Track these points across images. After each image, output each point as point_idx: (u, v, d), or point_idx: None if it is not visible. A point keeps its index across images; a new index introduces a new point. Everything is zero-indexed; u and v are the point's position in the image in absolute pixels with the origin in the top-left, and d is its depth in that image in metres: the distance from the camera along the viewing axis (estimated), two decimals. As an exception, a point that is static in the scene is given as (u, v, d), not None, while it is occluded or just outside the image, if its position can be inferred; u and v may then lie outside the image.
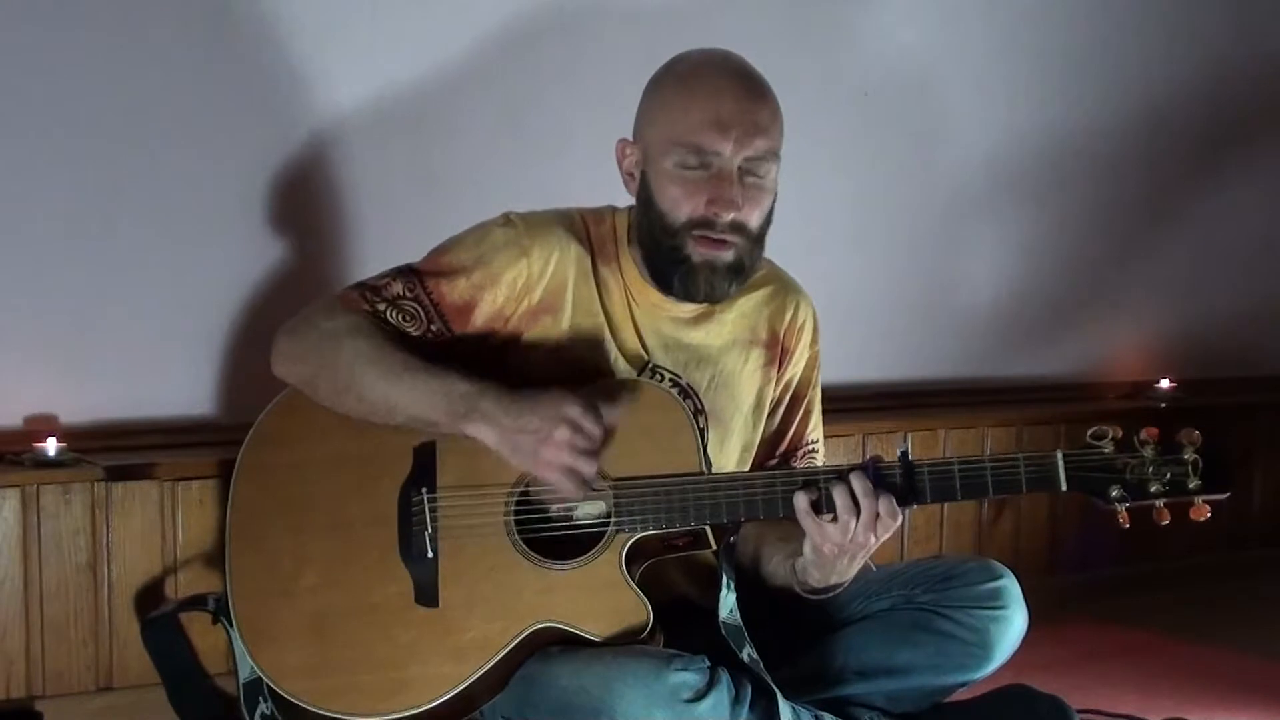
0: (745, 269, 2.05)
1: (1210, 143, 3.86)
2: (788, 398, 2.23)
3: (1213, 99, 3.81)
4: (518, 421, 1.90)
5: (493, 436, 1.91)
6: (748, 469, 2.18)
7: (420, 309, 2.03)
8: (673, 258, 2.03)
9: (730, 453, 2.16)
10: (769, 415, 2.21)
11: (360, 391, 1.96)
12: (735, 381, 2.16)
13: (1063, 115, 3.60)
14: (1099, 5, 3.63)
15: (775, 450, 2.23)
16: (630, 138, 2.09)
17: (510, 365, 2.05)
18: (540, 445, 1.88)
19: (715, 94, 2.00)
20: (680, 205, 2.01)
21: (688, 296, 2.06)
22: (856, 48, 3.32)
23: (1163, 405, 3.57)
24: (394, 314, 2.02)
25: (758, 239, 2.05)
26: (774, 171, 2.05)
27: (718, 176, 2.00)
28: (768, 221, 2.07)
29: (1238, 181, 3.92)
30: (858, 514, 1.91)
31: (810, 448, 2.26)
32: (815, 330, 2.24)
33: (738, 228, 2.01)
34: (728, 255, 2.02)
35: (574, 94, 2.92)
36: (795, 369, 2.22)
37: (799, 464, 2.23)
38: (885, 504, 1.91)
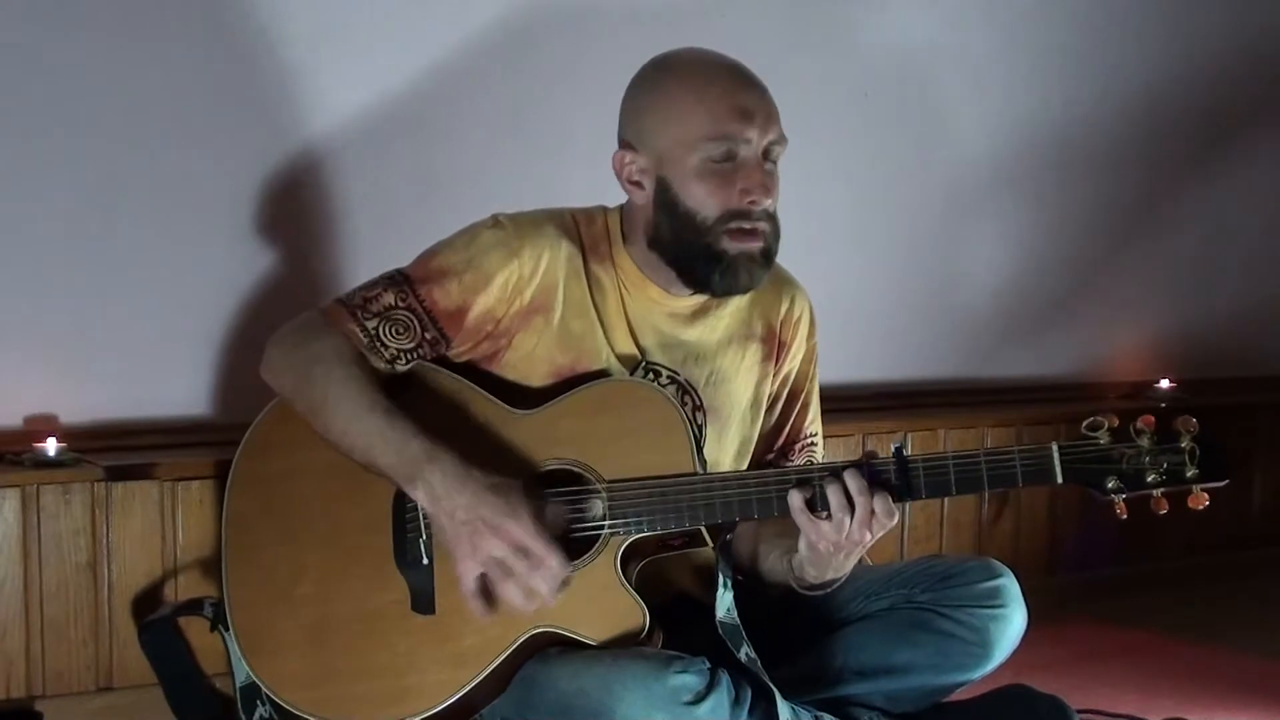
0: (773, 256, 2.06)
1: (1210, 142, 3.86)
2: (785, 392, 2.23)
3: (1212, 98, 3.81)
4: (451, 508, 1.87)
5: (428, 508, 1.90)
6: (746, 464, 2.18)
7: (413, 318, 2.02)
8: (709, 255, 2.01)
9: (728, 448, 2.16)
10: (767, 410, 2.21)
11: (325, 422, 1.96)
12: (733, 377, 2.16)
13: (1062, 114, 3.60)
14: (1098, 4, 3.63)
15: (774, 444, 2.23)
16: (623, 146, 2.07)
17: (504, 366, 2.05)
18: (461, 542, 1.87)
19: (730, 85, 2.01)
20: (711, 201, 2.00)
21: (727, 291, 2.05)
22: (856, 48, 3.32)
23: (1163, 405, 3.56)
24: (386, 328, 2.00)
25: (778, 230, 2.05)
26: (782, 158, 2.06)
27: (747, 165, 2.00)
28: None
29: (1237, 180, 3.92)
30: (852, 512, 1.90)
31: (809, 441, 2.26)
32: (812, 323, 2.24)
33: (767, 215, 2.02)
34: (759, 244, 2.02)
35: (574, 94, 2.92)
36: (793, 363, 2.22)
37: (798, 458, 2.23)
38: (880, 502, 1.90)
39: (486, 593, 1.89)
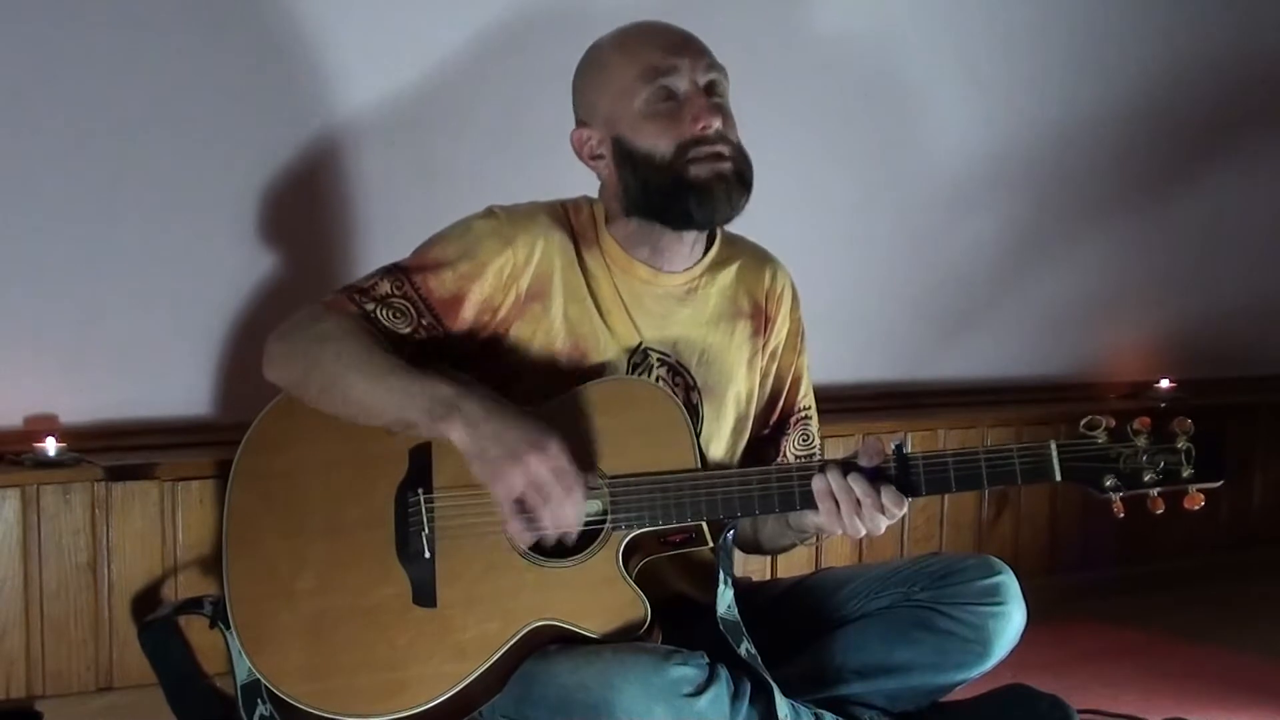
0: (747, 181, 2.07)
1: (1210, 141, 3.86)
2: (775, 366, 2.25)
3: (1213, 97, 3.80)
4: (494, 430, 1.88)
5: (465, 439, 1.89)
6: (745, 440, 2.21)
7: (409, 305, 2.03)
8: (679, 186, 2.03)
9: (725, 424, 2.18)
10: (759, 385, 2.22)
11: (344, 393, 1.96)
12: (725, 355, 2.18)
13: (1062, 114, 3.60)
14: (1099, 4, 3.63)
15: (768, 420, 2.25)
16: (577, 127, 2.12)
17: (503, 357, 2.07)
18: (506, 459, 1.87)
19: (651, 32, 2.09)
20: (664, 137, 2.03)
21: (710, 218, 2.06)
22: (857, 46, 3.32)
23: (1163, 405, 3.56)
24: (384, 313, 2.03)
25: (746, 157, 2.07)
26: (729, 93, 2.09)
27: (688, 96, 2.04)
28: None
29: (1237, 181, 3.92)
30: (859, 505, 1.94)
31: (803, 414, 2.28)
32: (795, 297, 2.26)
33: (725, 139, 2.04)
34: (728, 165, 2.04)
35: (573, 94, 2.92)
36: (779, 336, 2.24)
37: (793, 431, 2.26)
38: (889, 495, 1.94)
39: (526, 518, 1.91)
